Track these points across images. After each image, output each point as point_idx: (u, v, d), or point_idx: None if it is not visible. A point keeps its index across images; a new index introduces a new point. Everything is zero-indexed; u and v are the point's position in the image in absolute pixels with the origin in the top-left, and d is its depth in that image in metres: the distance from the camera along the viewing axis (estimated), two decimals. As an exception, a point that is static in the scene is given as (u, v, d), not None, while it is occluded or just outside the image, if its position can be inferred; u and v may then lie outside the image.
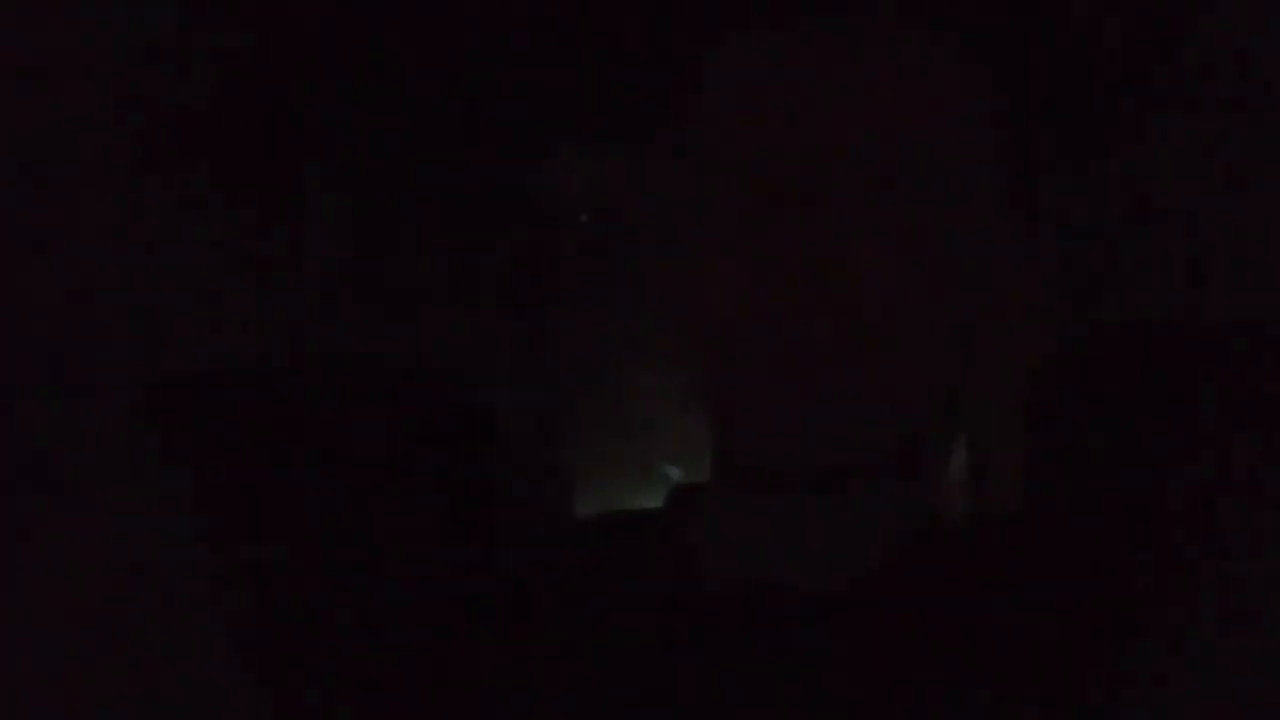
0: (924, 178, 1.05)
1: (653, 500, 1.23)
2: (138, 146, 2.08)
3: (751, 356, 1.03)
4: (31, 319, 2.02)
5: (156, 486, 1.91)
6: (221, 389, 1.92)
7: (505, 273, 2.24)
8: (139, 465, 1.94)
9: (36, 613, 1.82)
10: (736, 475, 1.08)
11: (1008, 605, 1.05)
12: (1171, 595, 1.05)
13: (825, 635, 1.04)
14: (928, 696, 1.02)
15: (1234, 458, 1.33)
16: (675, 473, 2.27)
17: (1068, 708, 1.02)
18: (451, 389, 2.02)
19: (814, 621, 1.05)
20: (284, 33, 2.12)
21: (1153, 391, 1.53)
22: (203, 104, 2.11)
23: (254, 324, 2.16)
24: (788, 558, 1.07)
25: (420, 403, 1.97)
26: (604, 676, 1.06)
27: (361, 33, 2.15)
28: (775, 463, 1.04)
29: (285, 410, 1.91)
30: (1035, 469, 1.10)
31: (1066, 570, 1.07)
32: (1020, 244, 1.10)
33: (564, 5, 2.14)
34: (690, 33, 1.12)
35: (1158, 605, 1.05)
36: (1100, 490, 1.14)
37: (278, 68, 2.13)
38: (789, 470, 1.04)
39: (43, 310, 2.03)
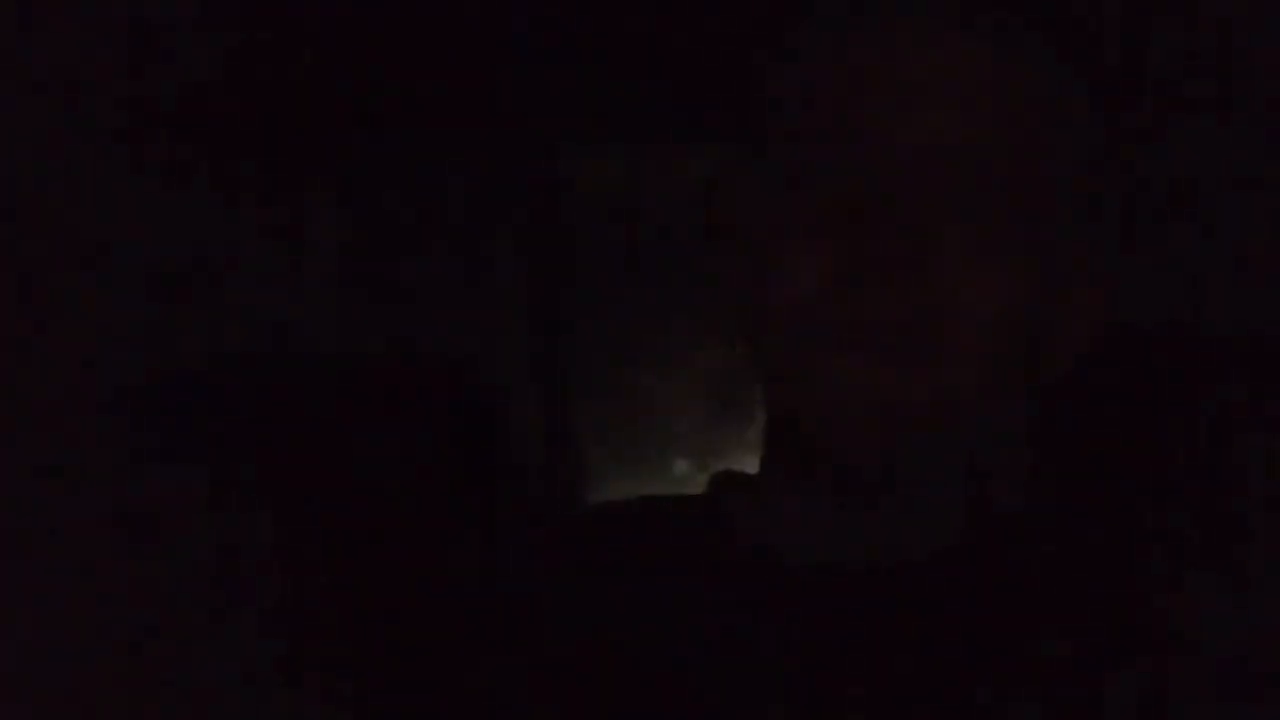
0: (1017, 181, 1.05)
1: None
2: (138, 146, 2.08)
3: (831, 350, 1.03)
4: (31, 318, 2.02)
5: (156, 483, 1.91)
6: (225, 385, 1.92)
7: (521, 269, 2.24)
8: (139, 463, 1.93)
9: (37, 610, 1.82)
10: (796, 464, 1.08)
11: (1028, 602, 1.05)
12: (1174, 598, 1.05)
13: (875, 619, 1.05)
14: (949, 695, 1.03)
15: (1235, 460, 1.33)
16: (682, 467, 2.27)
17: (1076, 706, 1.02)
18: (458, 384, 2.02)
19: (865, 605, 1.05)
20: (287, 30, 2.11)
21: (1154, 394, 1.53)
22: (205, 103, 2.10)
23: (263, 321, 2.15)
24: (839, 543, 1.07)
25: (423, 398, 1.97)
26: (642, 661, 1.06)
27: (375, 29, 2.15)
28: (842, 456, 1.04)
29: (298, 406, 1.91)
30: (1039, 469, 1.10)
31: (1073, 570, 1.07)
32: (1090, 252, 1.10)
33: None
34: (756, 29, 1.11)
35: (1162, 607, 1.05)
36: (1103, 491, 1.15)
37: (283, 65, 2.12)
38: (853, 464, 1.04)
39: (42, 310, 2.03)
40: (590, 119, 2.22)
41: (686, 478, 2.23)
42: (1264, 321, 2.03)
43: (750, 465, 1.17)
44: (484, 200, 2.23)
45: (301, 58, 2.14)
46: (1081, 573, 1.06)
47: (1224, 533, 1.11)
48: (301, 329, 2.16)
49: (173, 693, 1.81)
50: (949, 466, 1.06)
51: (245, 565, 1.87)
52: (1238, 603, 1.05)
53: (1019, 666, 1.03)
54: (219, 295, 2.15)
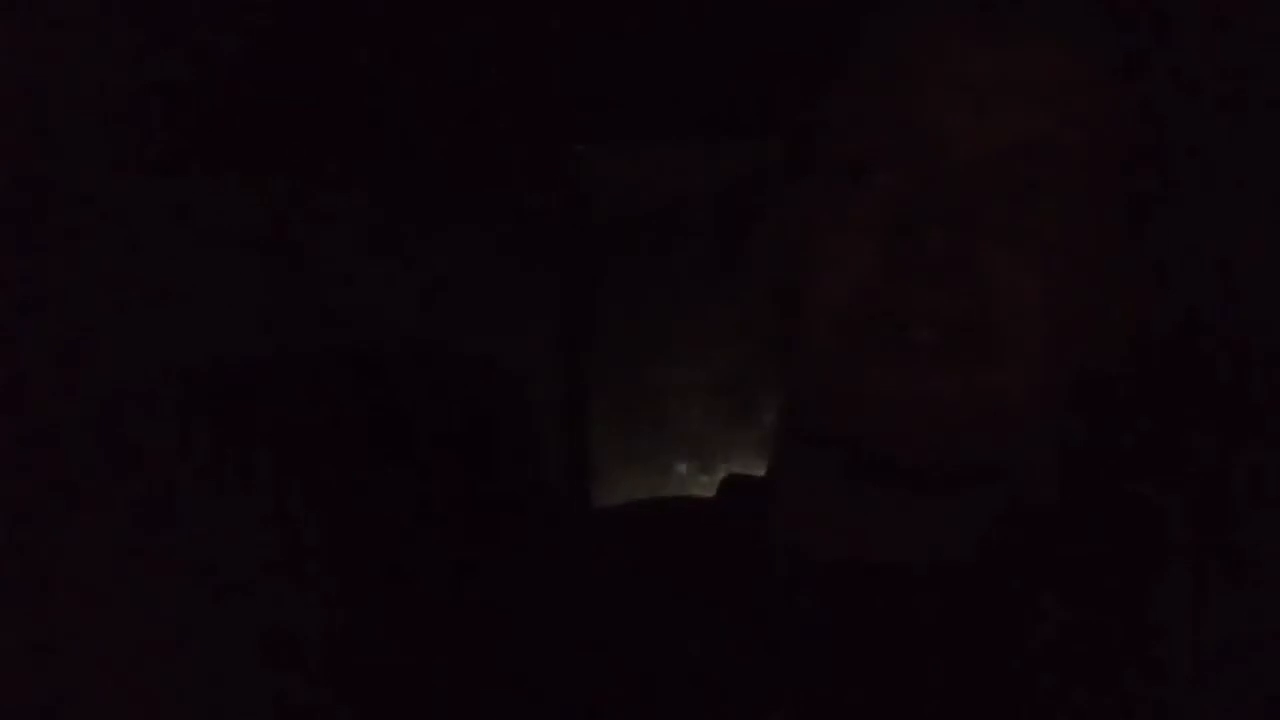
0: (1073, 182, 1.04)
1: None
2: (140, 145, 2.08)
3: (877, 348, 1.03)
4: (31, 318, 2.02)
5: (158, 483, 1.91)
6: (226, 385, 1.92)
7: (538, 268, 2.23)
8: (139, 463, 1.94)
9: (36, 611, 1.82)
10: (818, 464, 1.08)
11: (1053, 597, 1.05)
12: (1186, 598, 1.05)
13: (898, 619, 1.04)
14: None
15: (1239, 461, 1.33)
16: (685, 468, 2.27)
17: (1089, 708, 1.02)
18: (467, 384, 2.01)
19: (886, 605, 1.05)
20: (299, 28, 2.11)
21: (1154, 395, 1.53)
22: (213, 101, 2.10)
23: (275, 318, 2.15)
24: (861, 542, 1.07)
25: (431, 398, 1.97)
26: (651, 663, 1.06)
27: (395, 26, 2.14)
28: (878, 456, 1.04)
29: (303, 406, 1.91)
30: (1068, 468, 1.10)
31: (1090, 570, 1.07)
32: (1137, 257, 1.10)
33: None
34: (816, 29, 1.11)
35: (1178, 607, 1.05)
36: (1111, 489, 1.15)
37: (296, 63, 2.12)
38: (890, 462, 1.04)
39: (43, 310, 2.03)
40: (608, 116, 2.21)
41: (688, 479, 2.23)
42: (1264, 321, 2.03)
43: (752, 468, 1.17)
44: (500, 198, 2.22)
45: (321, 56, 2.13)
46: (1098, 572, 1.06)
47: (1228, 533, 1.11)
48: (306, 328, 2.16)
49: (172, 694, 1.82)
50: (981, 466, 1.06)
51: (244, 565, 1.88)
52: (1240, 602, 1.05)
53: (1036, 666, 1.03)
54: (221, 296, 2.15)
